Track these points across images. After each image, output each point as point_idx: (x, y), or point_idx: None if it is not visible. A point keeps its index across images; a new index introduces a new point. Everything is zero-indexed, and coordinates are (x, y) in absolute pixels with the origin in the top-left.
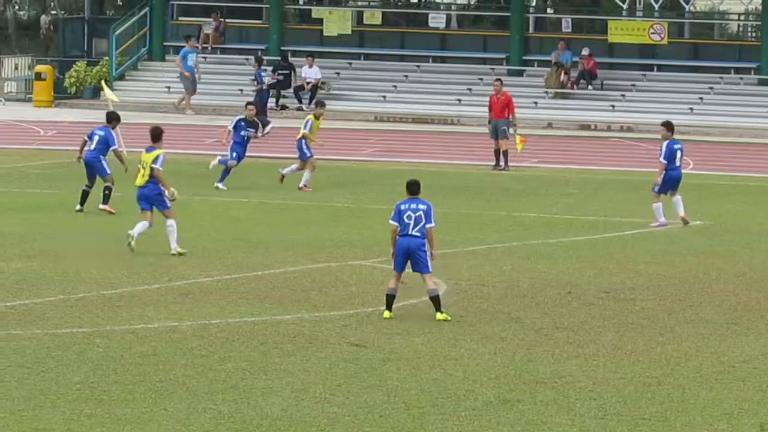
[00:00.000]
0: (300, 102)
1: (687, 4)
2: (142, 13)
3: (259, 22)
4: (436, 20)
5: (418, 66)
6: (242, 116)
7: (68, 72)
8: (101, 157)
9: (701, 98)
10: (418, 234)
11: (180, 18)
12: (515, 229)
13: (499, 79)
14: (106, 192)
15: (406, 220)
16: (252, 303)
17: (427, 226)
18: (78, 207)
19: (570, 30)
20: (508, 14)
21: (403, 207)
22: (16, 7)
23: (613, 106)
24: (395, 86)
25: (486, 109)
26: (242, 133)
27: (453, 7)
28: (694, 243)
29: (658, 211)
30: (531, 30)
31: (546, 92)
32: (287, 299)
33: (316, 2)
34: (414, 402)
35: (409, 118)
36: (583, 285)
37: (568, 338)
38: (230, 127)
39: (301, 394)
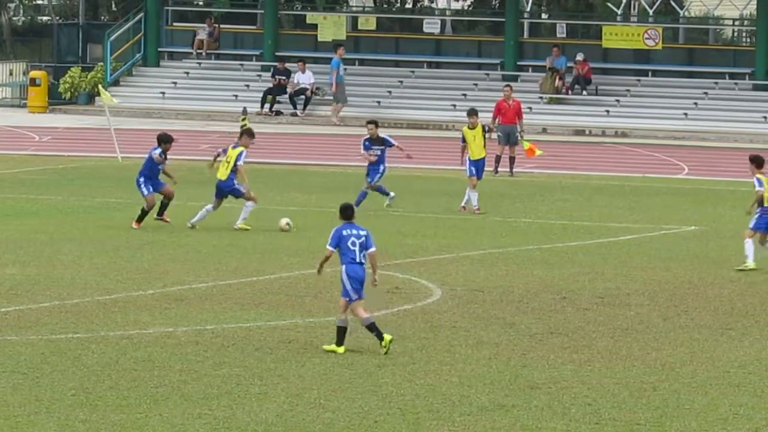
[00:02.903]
0: (294, 108)
1: (681, 9)
2: (136, 18)
3: (254, 27)
4: (431, 26)
5: (413, 71)
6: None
7: (63, 78)
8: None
9: (696, 103)
10: (364, 261)
11: (175, 24)
12: (510, 235)
13: (509, 85)
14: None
15: (351, 247)
16: (247, 309)
17: (371, 251)
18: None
19: (564, 35)
20: (503, 19)
21: (345, 233)
22: (11, 13)
23: (607, 111)
24: (390, 92)
25: (488, 114)
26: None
27: (447, 12)
28: (688, 248)
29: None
30: (526, 35)
31: (540, 97)
32: (282, 305)
33: (311, 8)
34: (409, 407)
35: (404, 124)
36: (577, 290)
37: (563, 343)
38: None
39: (296, 400)
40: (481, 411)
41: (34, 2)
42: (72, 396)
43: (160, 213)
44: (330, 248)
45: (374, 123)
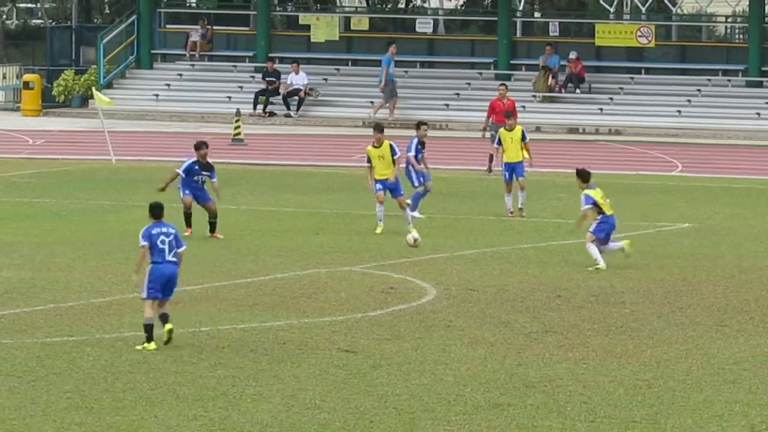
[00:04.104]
0: (288, 109)
1: (674, 6)
2: (129, 21)
3: (247, 29)
4: (424, 25)
5: (406, 71)
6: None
7: (56, 81)
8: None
9: (689, 100)
10: (175, 259)
11: (167, 26)
12: (504, 234)
13: (504, 84)
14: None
15: (161, 245)
16: (242, 310)
17: (181, 250)
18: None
19: (557, 34)
20: (496, 19)
21: (154, 231)
22: (4, 17)
23: (601, 109)
24: (383, 92)
25: (483, 113)
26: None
27: (440, 12)
28: (682, 246)
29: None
30: (518, 34)
31: (534, 96)
32: (277, 306)
33: (304, 9)
34: (404, 407)
35: (397, 124)
36: (572, 289)
37: (558, 342)
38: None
39: (292, 401)
40: (476, 410)
41: (27, 5)
42: (68, 399)
43: (212, 231)
44: (144, 243)
45: (426, 124)
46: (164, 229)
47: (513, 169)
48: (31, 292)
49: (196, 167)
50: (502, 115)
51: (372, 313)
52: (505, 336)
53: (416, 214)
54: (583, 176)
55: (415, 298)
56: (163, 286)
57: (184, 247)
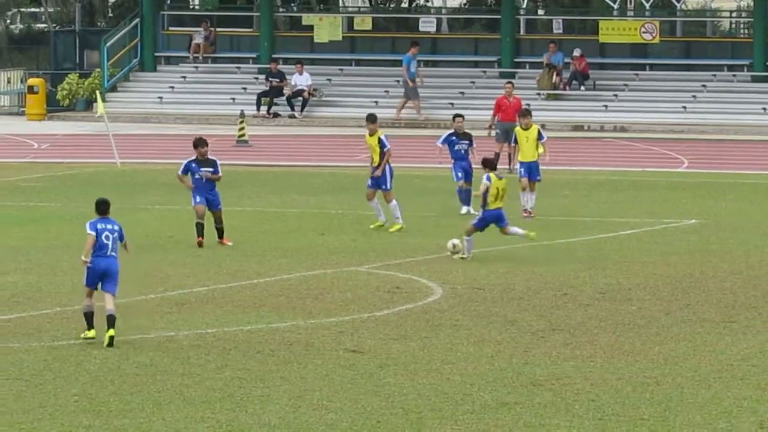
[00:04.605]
0: (292, 109)
1: (678, 2)
2: (132, 24)
3: (250, 30)
4: (427, 24)
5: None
6: (452, 130)
7: (60, 85)
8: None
9: (694, 96)
10: (115, 254)
11: (171, 28)
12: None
13: (510, 82)
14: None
15: (105, 240)
16: (248, 311)
17: (125, 242)
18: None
19: (561, 31)
20: (499, 17)
21: (100, 226)
22: (8, 21)
23: (605, 106)
24: (387, 91)
25: (484, 111)
26: (456, 148)
27: (444, 11)
28: (689, 242)
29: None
30: (522, 32)
31: (538, 94)
32: (283, 307)
33: (306, 9)
34: (412, 407)
35: (402, 123)
36: (578, 286)
37: (565, 340)
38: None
39: (299, 402)
40: (484, 409)
41: (31, 10)
42: (75, 402)
43: (220, 237)
44: (91, 232)
45: (461, 116)
46: (109, 225)
47: (529, 168)
48: (37, 296)
49: (194, 165)
50: (508, 113)
51: (378, 313)
52: (511, 335)
53: (469, 209)
54: (491, 165)
55: (421, 298)
56: (100, 279)
57: (125, 241)
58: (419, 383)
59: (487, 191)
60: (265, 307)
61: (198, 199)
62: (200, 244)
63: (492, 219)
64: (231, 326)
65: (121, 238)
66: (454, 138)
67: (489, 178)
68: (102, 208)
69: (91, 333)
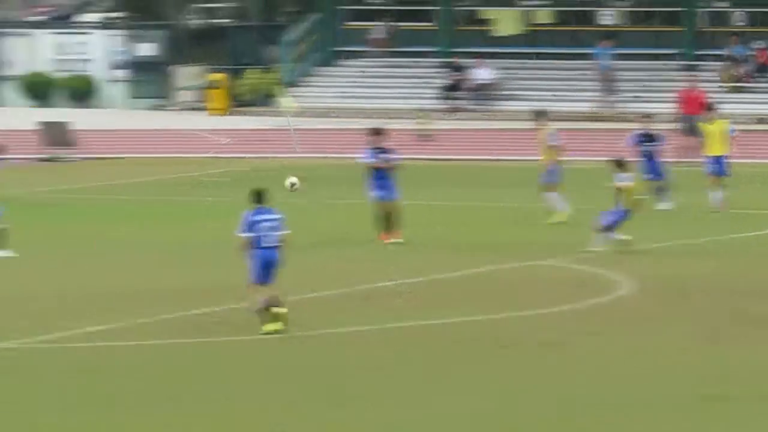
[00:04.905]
0: (474, 103)
1: None
2: (312, 19)
3: (429, 24)
4: (606, 17)
5: (590, 64)
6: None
7: (241, 80)
8: None
9: None
10: (279, 244)
11: (350, 23)
12: (693, 224)
13: (694, 75)
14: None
15: (264, 232)
16: (439, 306)
17: (286, 233)
18: None
19: (744, 23)
20: (680, 9)
21: (257, 218)
22: (188, 16)
23: None
24: (603, 84)
25: (665, 104)
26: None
27: (624, 4)
28: None
29: None
30: (704, 25)
31: (721, 86)
32: (472, 301)
33: (485, 3)
34: (611, 400)
35: (581, 116)
36: None
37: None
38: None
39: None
40: (687, 404)
41: (209, 5)
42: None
43: (391, 230)
44: (242, 235)
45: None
46: (268, 216)
47: (718, 162)
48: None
49: (380, 153)
50: (693, 106)
51: (566, 306)
52: (706, 327)
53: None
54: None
55: (610, 291)
56: (266, 270)
57: (288, 231)
58: (611, 375)
59: (624, 190)
60: (453, 301)
61: (376, 192)
62: (385, 239)
63: (622, 218)
64: (427, 320)
65: (280, 229)
66: (641, 138)
67: (626, 178)
68: (259, 197)
69: (270, 327)
